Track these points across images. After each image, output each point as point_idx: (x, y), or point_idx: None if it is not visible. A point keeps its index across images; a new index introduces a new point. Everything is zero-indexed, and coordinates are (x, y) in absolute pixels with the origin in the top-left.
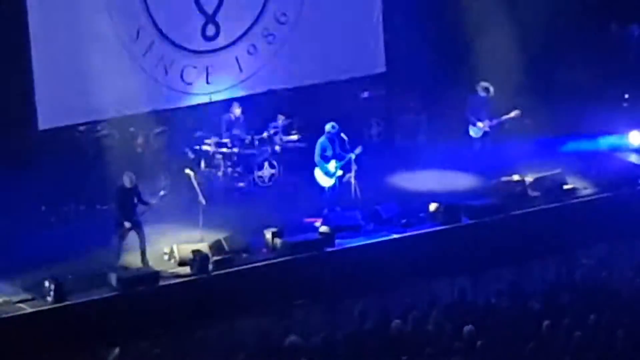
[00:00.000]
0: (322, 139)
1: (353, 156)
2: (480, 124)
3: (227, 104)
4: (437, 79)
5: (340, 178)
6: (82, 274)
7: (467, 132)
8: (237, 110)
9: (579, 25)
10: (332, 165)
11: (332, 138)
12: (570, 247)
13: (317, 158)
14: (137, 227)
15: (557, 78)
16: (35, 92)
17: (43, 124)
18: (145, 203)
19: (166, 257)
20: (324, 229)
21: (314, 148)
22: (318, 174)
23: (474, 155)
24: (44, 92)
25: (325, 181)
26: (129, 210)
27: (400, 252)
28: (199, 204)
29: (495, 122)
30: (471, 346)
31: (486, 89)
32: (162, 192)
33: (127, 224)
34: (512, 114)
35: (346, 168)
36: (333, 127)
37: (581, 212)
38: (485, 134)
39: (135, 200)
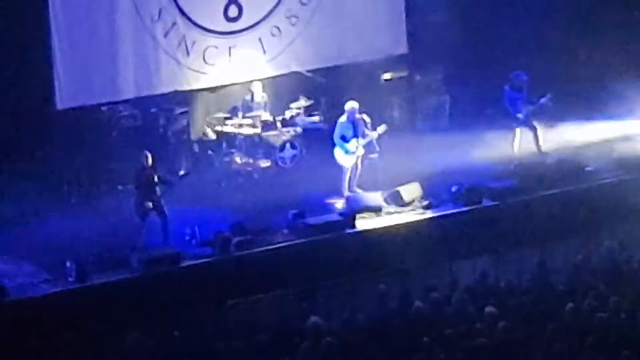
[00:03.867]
0: (342, 119)
1: (376, 135)
2: (520, 115)
3: (250, 85)
4: (460, 61)
5: (362, 158)
6: (104, 255)
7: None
8: (259, 92)
9: (603, 9)
10: (352, 144)
11: (353, 117)
12: (592, 229)
13: (336, 137)
14: (159, 207)
15: (580, 61)
16: (54, 72)
17: (61, 104)
18: (165, 182)
19: (187, 237)
20: (345, 210)
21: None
22: (338, 153)
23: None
24: (63, 72)
25: (345, 160)
26: (149, 191)
27: (421, 233)
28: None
29: (532, 108)
30: (493, 327)
31: (519, 76)
32: (182, 172)
33: (149, 204)
34: (544, 99)
35: (369, 149)
36: (353, 106)
37: (603, 194)
38: (524, 121)
39: (156, 180)
